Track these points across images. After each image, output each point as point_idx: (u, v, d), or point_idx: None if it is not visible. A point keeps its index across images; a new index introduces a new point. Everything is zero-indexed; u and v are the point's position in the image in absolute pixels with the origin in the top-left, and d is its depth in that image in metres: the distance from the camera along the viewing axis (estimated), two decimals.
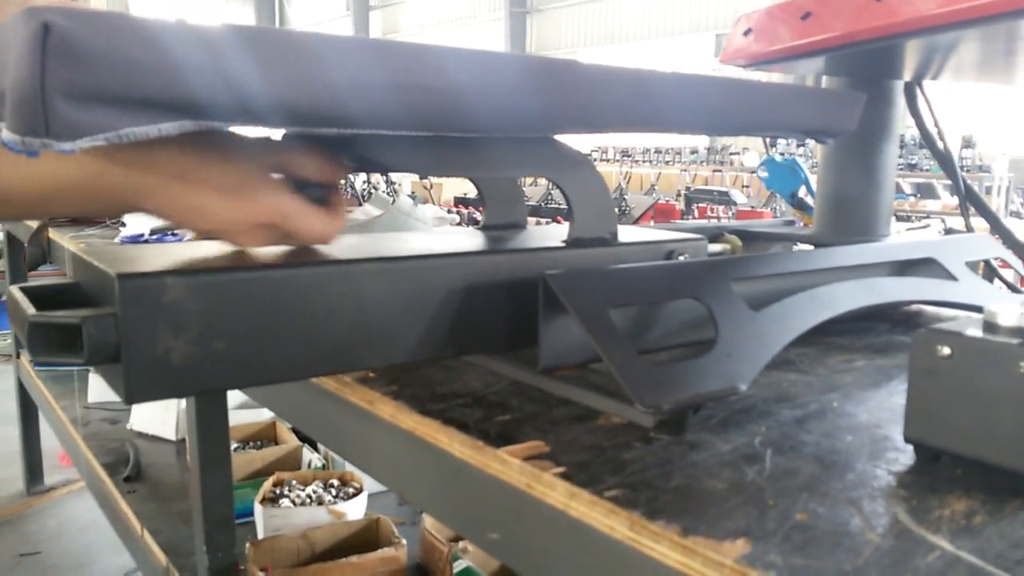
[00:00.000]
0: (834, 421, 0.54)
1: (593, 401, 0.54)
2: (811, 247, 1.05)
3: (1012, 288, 0.88)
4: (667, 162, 11.57)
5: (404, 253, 0.55)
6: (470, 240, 0.65)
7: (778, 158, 1.12)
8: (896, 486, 0.43)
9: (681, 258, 0.69)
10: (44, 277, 3.03)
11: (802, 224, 1.14)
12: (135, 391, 0.45)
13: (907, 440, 0.46)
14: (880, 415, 0.55)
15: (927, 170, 8.19)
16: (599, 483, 0.42)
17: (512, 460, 0.46)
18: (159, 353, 0.45)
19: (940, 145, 1.01)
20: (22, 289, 0.51)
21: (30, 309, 0.44)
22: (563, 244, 0.63)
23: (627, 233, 0.69)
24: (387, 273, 0.53)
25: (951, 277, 0.81)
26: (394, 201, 1.26)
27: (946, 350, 0.44)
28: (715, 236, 1.04)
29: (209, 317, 0.46)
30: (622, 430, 0.51)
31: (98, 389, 1.96)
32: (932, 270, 0.82)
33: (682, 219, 3.46)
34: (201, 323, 0.46)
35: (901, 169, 7.52)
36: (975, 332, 0.43)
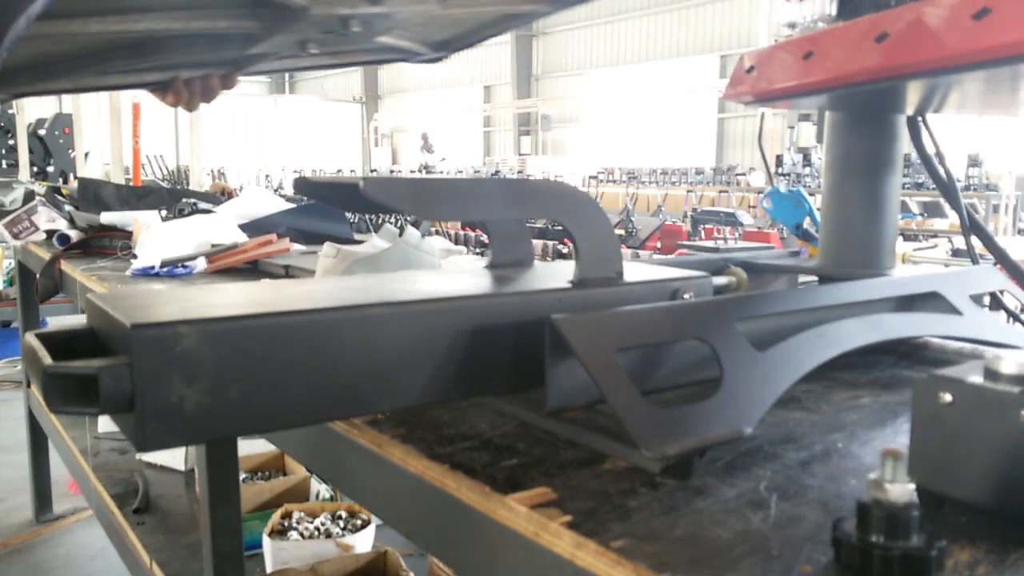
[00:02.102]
0: (839, 463, 0.54)
1: (599, 444, 0.55)
2: (815, 279, 1.06)
3: (1016, 318, 0.88)
4: (673, 183, 11.60)
5: (411, 297, 0.56)
6: (476, 281, 0.65)
7: (783, 188, 1.13)
8: None
9: (687, 296, 0.70)
10: (55, 304, 3.04)
11: (807, 254, 1.14)
12: (148, 440, 0.46)
13: (910, 474, 0.47)
14: None
15: (934, 189, 8.18)
16: (605, 532, 0.43)
17: (519, 507, 0.46)
18: (173, 402, 0.46)
19: (943, 176, 1.02)
20: (38, 336, 0.52)
21: (46, 359, 0.45)
22: (569, 285, 0.64)
23: (632, 272, 0.70)
24: (395, 318, 0.54)
25: (955, 311, 0.81)
26: (402, 233, 1.27)
27: (948, 397, 0.44)
28: (720, 269, 1.05)
29: (222, 365, 0.47)
30: (628, 475, 0.51)
31: (108, 419, 1.97)
32: (937, 304, 0.82)
33: (689, 240, 3.47)
34: (214, 371, 0.47)
35: (907, 188, 7.52)
36: (976, 379, 0.44)
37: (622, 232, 5.15)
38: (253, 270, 1.49)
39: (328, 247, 1.21)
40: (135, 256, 1.60)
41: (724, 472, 0.52)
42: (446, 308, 0.57)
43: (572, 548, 0.43)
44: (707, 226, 5.93)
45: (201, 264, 1.53)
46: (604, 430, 0.56)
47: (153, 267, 1.50)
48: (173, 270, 1.48)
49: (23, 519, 2.61)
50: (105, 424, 1.97)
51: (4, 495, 2.77)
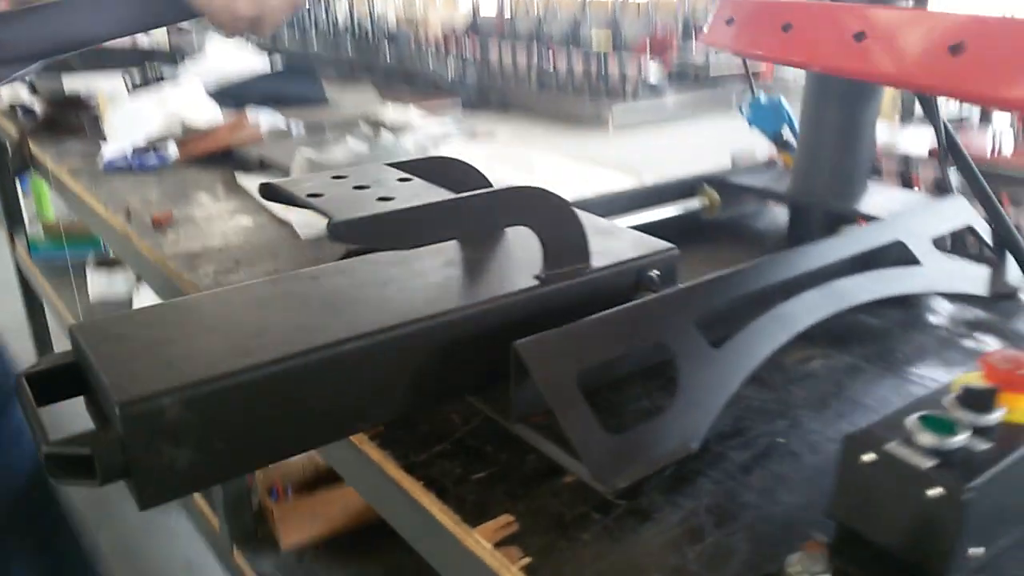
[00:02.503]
0: (777, 468, 0.60)
1: (559, 458, 0.60)
2: (785, 207, 1.07)
3: (977, 259, 0.91)
4: None
5: (377, 326, 0.58)
6: (444, 281, 0.67)
7: (763, 99, 1.11)
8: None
9: (653, 273, 0.72)
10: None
11: (783, 165, 1.15)
12: (147, 500, 0.50)
13: (829, 516, 0.53)
14: (818, 461, 0.61)
15: None
16: None
17: (485, 544, 0.52)
18: (165, 464, 0.50)
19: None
20: (27, 377, 0.55)
21: (44, 444, 0.48)
22: (536, 282, 0.66)
23: (599, 248, 0.71)
24: (366, 349, 0.57)
25: (915, 261, 0.84)
26: (376, 134, 1.26)
27: (868, 457, 0.49)
28: (693, 189, 1.06)
29: (205, 425, 0.51)
30: (583, 492, 0.57)
31: (98, 287, 2.01)
32: (898, 252, 0.85)
33: None
34: (199, 431, 0.51)
35: None
36: (895, 449, 0.48)
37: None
38: (227, 159, 1.47)
39: (301, 159, 1.20)
40: (104, 138, 1.57)
41: (671, 485, 0.58)
42: (417, 330, 0.59)
43: None
44: None
45: (173, 151, 1.51)
46: (562, 440, 0.60)
47: (125, 157, 1.48)
48: (145, 162, 1.46)
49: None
50: (97, 291, 2.02)
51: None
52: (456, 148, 1.60)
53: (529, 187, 0.62)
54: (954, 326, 0.83)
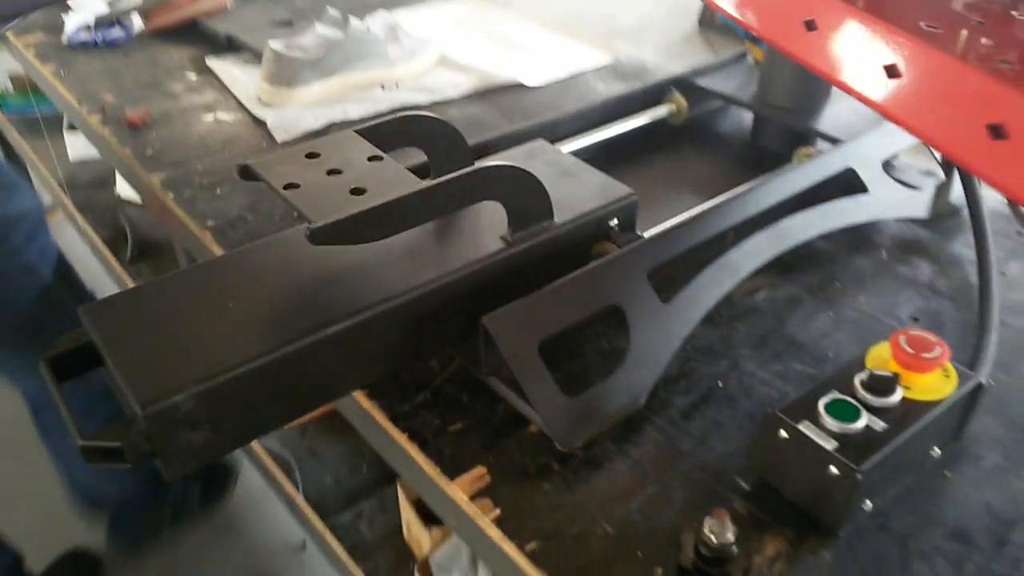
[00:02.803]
0: (715, 414, 0.69)
1: (525, 411, 0.68)
2: (750, 114, 1.10)
3: (910, 186, 0.96)
4: None
5: (367, 302, 0.64)
6: (416, 244, 0.71)
7: None
8: (738, 510, 0.60)
9: (613, 223, 0.78)
10: None
11: (752, 59, 1.16)
12: (172, 472, 0.59)
13: (751, 463, 0.63)
14: (750, 407, 0.70)
15: None
16: (524, 532, 0.59)
17: (462, 496, 0.62)
18: (184, 445, 0.58)
19: None
20: (47, 362, 0.62)
21: (78, 438, 0.56)
22: (503, 244, 0.71)
23: (561, 198, 0.75)
24: (357, 327, 0.63)
25: (864, 189, 0.90)
26: (346, 21, 1.23)
27: (784, 434, 0.58)
28: (661, 94, 1.08)
29: (215, 412, 0.59)
30: (545, 443, 0.66)
31: (78, 150, 2.00)
32: (849, 179, 0.90)
33: None
34: (212, 416, 0.59)
35: None
36: (806, 430, 0.57)
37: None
38: (194, 34, 1.44)
39: (270, 52, 1.19)
40: (68, 7, 1.51)
41: (620, 434, 0.67)
42: (403, 303, 0.65)
43: (500, 541, 0.59)
44: None
45: (138, 24, 1.48)
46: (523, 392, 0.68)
47: (89, 28, 1.44)
48: (109, 37, 1.43)
49: None
50: (76, 152, 2.00)
51: None
52: (429, 15, 1.56)
53: (495, 167, 0.66)
54: (894, 250, 0.90)
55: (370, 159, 0.68)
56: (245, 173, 0.67)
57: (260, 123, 1.15)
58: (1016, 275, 0.86)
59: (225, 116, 1.18)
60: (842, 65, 0.58)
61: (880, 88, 0.54)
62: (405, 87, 1.27)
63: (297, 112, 1.17)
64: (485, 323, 0.64)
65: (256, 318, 0.63)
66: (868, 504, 0.58)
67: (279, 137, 1.12)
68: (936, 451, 0.63)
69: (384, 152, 0.72)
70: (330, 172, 0.66)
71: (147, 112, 1.18)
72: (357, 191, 0.63)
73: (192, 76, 1.31)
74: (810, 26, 0.62)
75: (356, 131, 0.72)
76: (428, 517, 1.03)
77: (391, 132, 0.74)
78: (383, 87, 1.26)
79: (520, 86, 1.28)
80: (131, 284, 1.60)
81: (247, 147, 1.10)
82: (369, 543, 1.10)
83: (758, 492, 0.62)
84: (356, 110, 1.19)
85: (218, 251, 0.89)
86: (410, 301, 0.66)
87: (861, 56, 0.56)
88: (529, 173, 0.69)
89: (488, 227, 0.73)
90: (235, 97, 1.23)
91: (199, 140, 1.11)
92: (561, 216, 0.74)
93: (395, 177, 0.66)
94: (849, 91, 0.57)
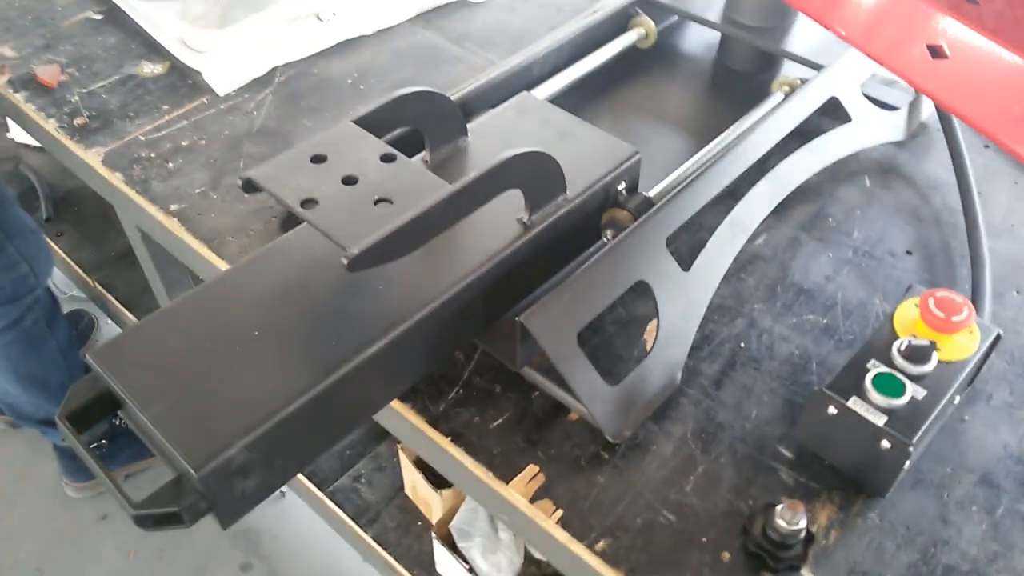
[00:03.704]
0: (744, 379, 0.71)
1: (568, 403, 0.68)
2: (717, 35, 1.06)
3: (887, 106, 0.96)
4: None
5: (390, 319, 0.61)
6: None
7: None
8: (786, 481, 0.63)
9: (621, 187, 0.75)
10: None
11: None
12: (227, 522, 0.57)
13: (797, 439, 0.65)
14: (775, 368, 0.72)
15: None
16: (589, 532, 0.60)
17: (520, 499, 0.62)
18: (238, 495, 0.56)
19: None
20: (65, 419, 0.58)
21: (129, 508, 0.53)
22: (522, 226, 0.68)
23: (568, 164, 0.72)
24: (385, 350, 0.60)
25: (847, 119, 0.90)
26: None
27: (833, 410, 0.60)
28: (627, 20, 1.03)
29: (267, 455, 0.56)
30: (588, 429, 0.67)
31: None
32: (832, 108, 0.90)
33: None
34: (263, 461, 0.56)
35: None
36: (856, 407, 0.59)
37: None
38: None
39: None
40: None
41: (659, 412, 0.68)
42: (433, 310, 0.62)
43: (568, 543, 0.60)
44: None
45: None
46: (564, 382, 0.68)
47: None
48: None
49: None
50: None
51: None
52: None
53: (517, 156, 0.62)
54: (875, 175, 0.92)
55: (383, 159, 0.63)
56: (249, 186, 0.61)
57: (194, 72, 1.05)
58: (990, 193, 0.90)
59: (152, 68, 1.06)
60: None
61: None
62: (343, 16, 1.17)
63: (232, 57, 1.06)
64: (523, 322, 0.63)
65: (289, 348, 0.59)
66: (907, 464, 0.62)
67: (221, 90, 1.02)
68: (957, 399, 0.67)
69: (384, 137, 0.67)
70: (346, 180, 0.61)
71: (60, 69, 1.05)
72: (383, 201, 0.59)
73: (95, 16, 1.16)
74: None
75: (354, 121, 0.66)
76: (434, 477, 1.04)
77: (389, 115, 0.69)
78: (319, 18, 1.16)
79: (462, 3, 1.20)
80: (57, 249, 1.47)
81: (190, 105, 1.00)
82: (373, 506, 1.10)
83: (801, 460, 0.65)
84: (296, 49, 1.09)
85: (191, 239, 0.83)
86: (442, 304, 0.63)
87: None
88: (548, 156, 0.66)
89: (500, 209, 0.70)
90: (156, 41, 1.10)
91: (130, 100, 1.00)
92: (573, 188, 0.71)
93: (417, 180, 0.61)
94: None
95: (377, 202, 0.59)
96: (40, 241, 1.38)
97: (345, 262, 0.54)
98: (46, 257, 1.38)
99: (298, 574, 1.57)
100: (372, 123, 0.67)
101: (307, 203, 0.59)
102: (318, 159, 0.63)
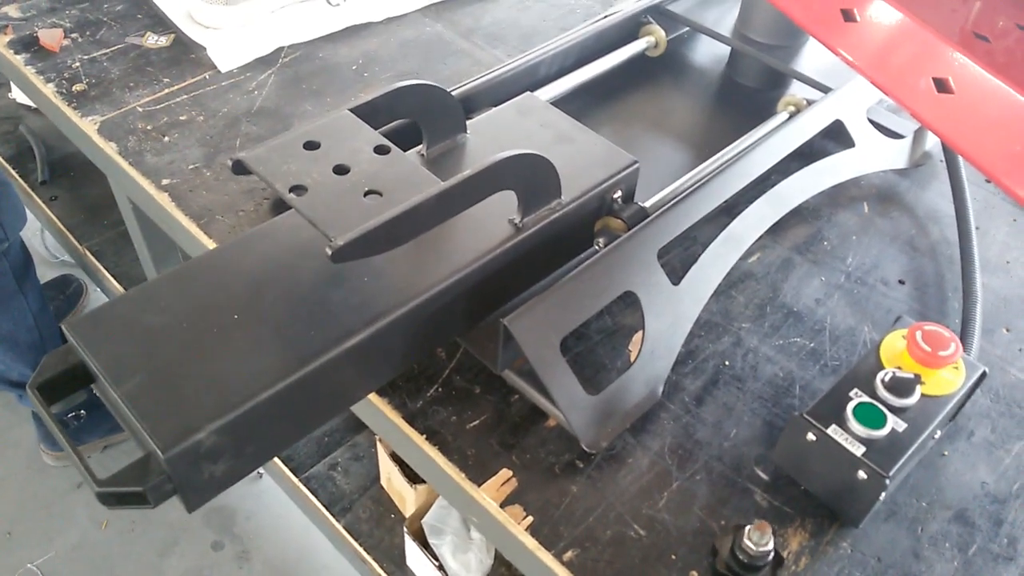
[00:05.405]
0: (725, 397, 0.70)
1: (547, 409, 0.67)
2: (728, 49, 1.06)
3: (892, 134, 0.96)
4: None
5: (372, 312, 0.60)
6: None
7: None
8: (760, 503, 0.63)
9: (617, 195, 0.75)
10: None
11: None
12: (193, 505, 0.56)
13: (774, 462, 0.65)
14: (758, 388, 0.71)
15: None
16: (558, 540, 0.60)
17: (491, 503, 0.62)
18: (205, 479, 0.55)
19: None
20: (36, 389, 0.57)
21: (93, 484, 0.52)
22: (514, 228, 0.68)
23: (565, 169, 0.71)
24: (365, 343, 0.59)
25: (851, 144, 0.89)
26: None
27: (812, 437, 0.60)
28: (637, 27, 1.02)
29: (237, 441, 0.55)
30: (565, 437, 0.66)
31: None
32: (837, 131, 0.89)
33: None
34: (232, 447, 0.55)
35: None
36: (835, 435, 0.59)
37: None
38: None
39: None
40: None
41: (638, 425, 0.67)
42: (418, 305, 0.61)
43: (535, 550, 0.60)
44: None
45: None
46: (543, 387, 0.67)
47: None
48: None
49: None
50: None
51: None
52: None
53: (511, 158, 0.61)
54: (874, 202, 0.91)
55: (376, 150, 0.62)
56: (239, 168, 0.61)
57: (199, 47, 1.04)
58: (989, 229, 0.89)
59: (156, 40, 1.05)
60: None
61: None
62: (354, 0, 1.16)
63: (238, 36, 1.05)
64: (507, 325, 0.62)
65: (268, 334, 0.58)
66: (882, 495, 0.62)
67: (223, 67, 1.01)
68: (938, 434, 0.66)
69: (382, 128, 0.66)
70: (337, 169, 0.60)
71: (63, 34, 1.04)
72: (372, 193, 0.58)
73: None
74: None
75: (351, 110, 0.66)
76: (410, 471, 1.04)
77: (387, 107, 0.68)
78: (329, 1, 1.15)
79: None
80: (48, 212, 1.46)
81: (191, 79, 0.99)
82: (347, 495, 1.10)
83: (776, 483, 0.64)
84: (304, 31, 1.08)
85: (180, 216, 0.82)
86: (425, 301, 0.62)
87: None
88: (544, 159, 0.65)
89: (493, 210, 0.69)
90: (163, 12, 1.09)
91: (131, 70, 0.99)
92: (568, 193, 0.71)
93: (409, 174, 0.61)
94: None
95: (367, 194, 0.59)
96: (11, 195, 1.37)
97: (329, 252, 0.54)
98: (17, 212, 1.37)
99: (270, 556, 1.56)
100: (370, 113, 0.67)
101: (296, 189, 0.58)
102: (311, 145, 0.62)
